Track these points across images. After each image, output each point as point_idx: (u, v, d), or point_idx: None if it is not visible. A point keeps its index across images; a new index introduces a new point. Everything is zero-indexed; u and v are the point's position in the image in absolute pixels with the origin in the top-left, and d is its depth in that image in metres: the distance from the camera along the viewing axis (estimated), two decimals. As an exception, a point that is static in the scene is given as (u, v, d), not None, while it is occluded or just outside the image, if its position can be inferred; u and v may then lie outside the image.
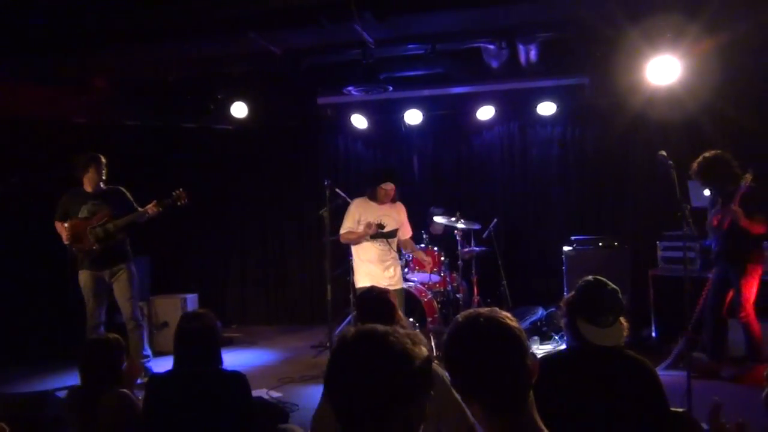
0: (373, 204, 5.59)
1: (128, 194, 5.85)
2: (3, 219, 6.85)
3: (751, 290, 5.11)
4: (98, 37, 5.52)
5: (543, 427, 1.50)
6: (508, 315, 1.56)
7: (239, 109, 7.18)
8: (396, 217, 5.67)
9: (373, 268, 5.52)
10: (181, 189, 5.72)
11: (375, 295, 2.95)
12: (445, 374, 2.59)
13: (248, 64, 6.52)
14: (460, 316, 1.58)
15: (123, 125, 7.87)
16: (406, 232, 5.86)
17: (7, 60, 5.83)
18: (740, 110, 6.19)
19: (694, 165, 5.26)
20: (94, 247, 5.55)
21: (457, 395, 2.52)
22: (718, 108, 6.25)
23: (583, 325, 2.39)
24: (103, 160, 5.79)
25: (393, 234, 5.64)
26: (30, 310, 6.98)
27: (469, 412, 2.51)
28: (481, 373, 1.48)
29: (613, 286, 2.49)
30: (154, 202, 5.61)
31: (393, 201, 5.69)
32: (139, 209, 5.63)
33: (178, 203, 5.69)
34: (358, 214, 5.55)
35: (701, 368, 5.19)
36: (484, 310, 1.56)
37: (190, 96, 7.14)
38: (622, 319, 2.45)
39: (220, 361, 2.96)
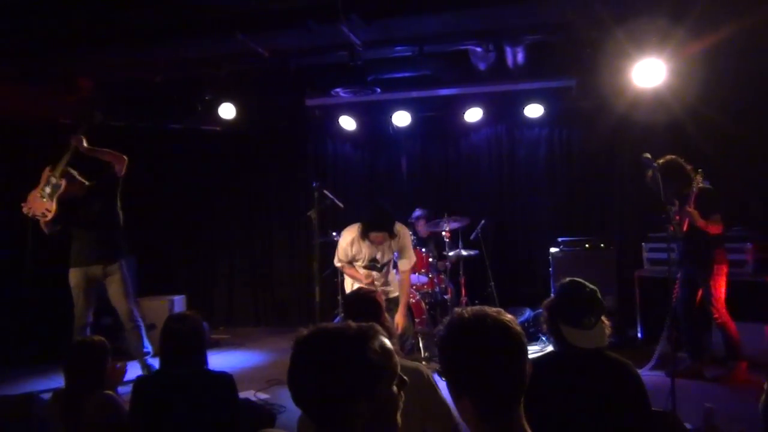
0: (362, 243, 5.23)
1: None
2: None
3: (720, 290, 5.14)
4: (85, 37, 5.50)
5: (529, 430, 1.52)
6: (513, 318, 1.57)
7: (227, 110, 7.17)
8: (394, 247, 5.30)
9: None
10: (92, 110, 5.47)
11: (361, 294, 2.96)
12: (430, 373, 2.61)
13: (236, 66, 6.51)
14: (465, 312, 1.57)
15: (110, 126, 7.83)
16: (405, 262, 5.35)
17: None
18: (724, 113, 6.26)
19: (649, 172, 5.32)
20: (48, 207, 5.31)
21: (442, 394, 2.54)
22: (702, 111, 6.31)
23: (565, 329, 2.41)
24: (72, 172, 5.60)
25: (387, 264, 5.35)
26: (15, 312, 6.93)
27: (455, 411, 2.53)
28: (480, 372, 1.49)
29: (592, 286, 2.49)
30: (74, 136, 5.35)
31: (392, 236, 5.18)
32: (71, 141, 5.33)
33: (94, 122, 5.43)
34: (350, 253, 5.26)
35: (684, 369, 5.23)
36: (492, 310, 1.56)
37: (178, 97, 7.12)
38: (604, 319, 2.46)
39: (205, 362, 2.96)
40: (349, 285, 5.45)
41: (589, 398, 2.29)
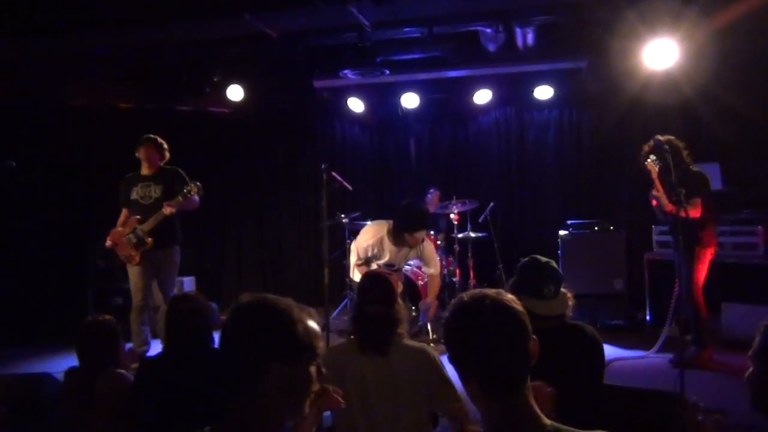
0: (389, 245, 5.22)
1: (183, 175, 5.67)
2: (2, 202, 6.86)
3: (700, 274, 5.02)
4: (93, 19, 5.49)
5: (538, 410, 1.51)
6: (513, 298, 1.56)
7: (235, 92, 7.17)
8: (412, 255, 5.42)
9: None
10: (195, 183, 5.51)
11: (378, 277, 2.87)
12: (437, 355, 2.62)
13: (244, 47, 6.49)
14: (465, 295, 1.58)
15: (118, 108, 7.85)
16: (432, 269, 5.53)
17: (3, 42, 5.80)
18: (736, 94, 6.19)
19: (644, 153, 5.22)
20: (133, 253, 5.42)
21: (449, 376, 2.55)
22: (714, 92, 6.25)
23: (528, 302, 2.40)
24: (159, 140, 5.65)
25: (399, 272, 5.44)
26: (30, 292, 7.00)
27: (461, 391, 2.54)
28: (483, 353, 1.49)
29: (548, 259, 2.58)
30: (167, 203, 5.40)
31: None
32: (163, 210, 5.39)
33: (189, 196, 5.46)
34: (370, 253, 5.27)
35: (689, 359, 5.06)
36: (491, 291, 1.56)
37: (186, 79, 7.12)
38: (564, 289, 2.53)
39: (212, 341, 2.97)
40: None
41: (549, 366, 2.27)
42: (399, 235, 5.09)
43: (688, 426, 1.92)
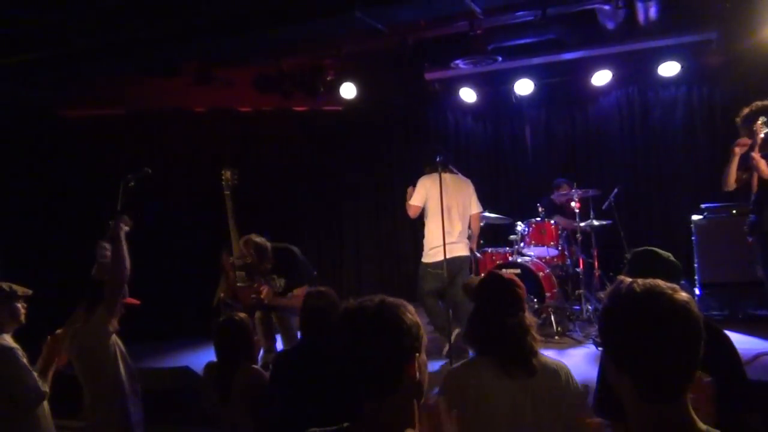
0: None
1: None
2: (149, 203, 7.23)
3: None
4: (209, 28, 5.72)
5: (699, 421, 1.37)
6: (690, 297, 1.39)
7: (348, 90, 7.26)
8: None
9: None
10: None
11: (502, 279, 2.50)
12: (570, 374, 2.39)
13: (356, 45, 6.57)
14: (636, 286, 1.39)
15: (240, 112, 8.20)
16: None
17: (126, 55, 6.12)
18: None
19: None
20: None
21: (576, 395, 2.37)
22: None
23: None
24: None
25: None
26: (168, 291, 7.36)
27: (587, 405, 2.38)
28: (650, 357, 1.35)
29: (668, 254, 2.41)
30: None
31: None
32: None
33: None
34: None
35: None
36: (667, 287, 1.38)
37: (301, 79, 7.30)
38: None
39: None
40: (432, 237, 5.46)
41: None
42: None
43: None
